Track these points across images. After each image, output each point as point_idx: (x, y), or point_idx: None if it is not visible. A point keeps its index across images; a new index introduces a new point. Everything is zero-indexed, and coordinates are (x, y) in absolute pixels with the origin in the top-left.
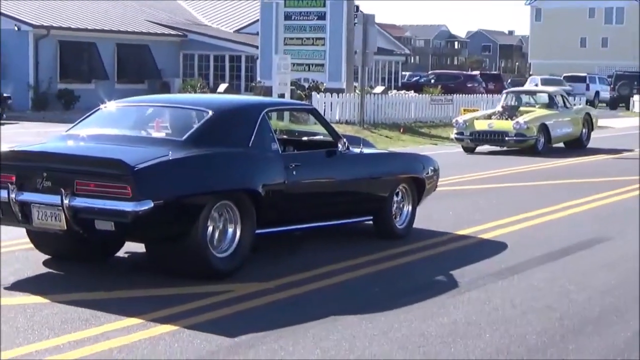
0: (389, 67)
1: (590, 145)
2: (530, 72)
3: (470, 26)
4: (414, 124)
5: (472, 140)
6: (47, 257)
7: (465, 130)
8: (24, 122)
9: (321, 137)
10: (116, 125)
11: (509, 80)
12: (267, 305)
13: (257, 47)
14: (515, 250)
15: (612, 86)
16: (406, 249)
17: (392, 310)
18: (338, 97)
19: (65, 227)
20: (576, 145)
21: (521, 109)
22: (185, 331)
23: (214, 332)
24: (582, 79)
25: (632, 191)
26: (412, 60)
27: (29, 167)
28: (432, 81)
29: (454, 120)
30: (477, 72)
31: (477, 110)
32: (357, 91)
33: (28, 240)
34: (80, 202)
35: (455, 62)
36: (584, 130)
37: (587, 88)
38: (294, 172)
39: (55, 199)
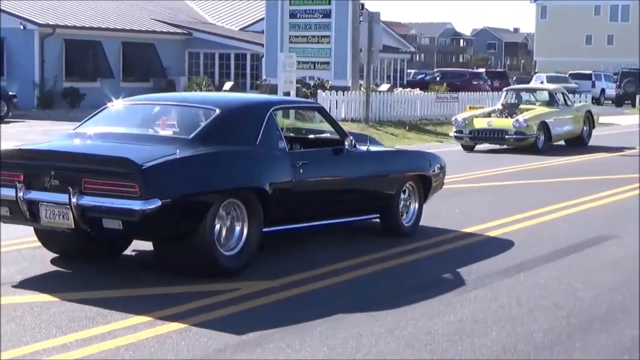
0: (394, 65)
1: (592, 142)
2: (536, 70)
3: (476, 24)
4: (419, 121)
5: (471, 139)
6: (54, 255)
7: (465, 128)
8: (29, 121)
9: (328, 135)
10: (123, 123)
11: (515, 78)
12: (274, 303)
13: (262, 45)
14: (521, 248)
15: (617, 83)
16: (413, 246)
17: (399, 308)
18: (343, 95)
19: (73, 226)
20: (577, 143)
21: (521, 106)
22: (193, 329)
23: (221, 330)
24: (587, 77)
25: (637, 189)
26: (418, 58)
27: (37, 166)
28: (438, 79)
29: (453, 119)
30: (482, 70)
31: (483, 107)
32: (362, 89)
33: (36, 238)
34: (88, 200)
35: (461, 60)
36: (584, 128)
37: (593, 85)
38: (301, 170)
39: (63, 197)
